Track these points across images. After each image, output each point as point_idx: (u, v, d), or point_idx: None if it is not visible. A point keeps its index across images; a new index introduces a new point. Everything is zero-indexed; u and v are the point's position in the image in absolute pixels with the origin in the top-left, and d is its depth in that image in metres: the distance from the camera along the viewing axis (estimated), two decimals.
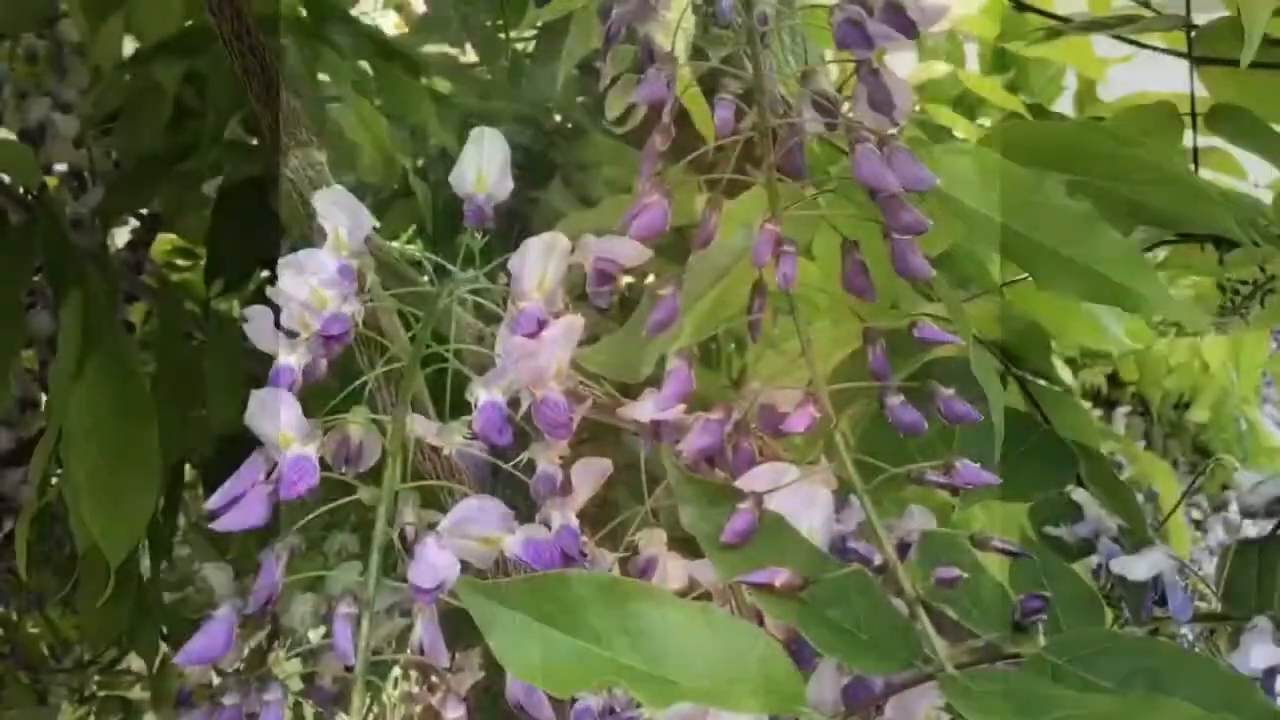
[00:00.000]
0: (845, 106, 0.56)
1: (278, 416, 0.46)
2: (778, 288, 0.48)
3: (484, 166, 0.54)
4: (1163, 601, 0.50)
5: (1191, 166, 0.88)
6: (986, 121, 1.26)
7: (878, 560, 0.47)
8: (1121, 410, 2.43)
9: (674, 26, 0.58)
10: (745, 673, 0.41)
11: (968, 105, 1.20)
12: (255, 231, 1.13)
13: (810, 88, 0.57)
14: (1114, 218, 0.73)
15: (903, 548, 0.54)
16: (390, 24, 1.79)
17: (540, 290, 0.51)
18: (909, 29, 0.53)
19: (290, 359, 0.48)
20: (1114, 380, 2.51)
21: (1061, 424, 0.69)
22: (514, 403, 0.49)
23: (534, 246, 0.51)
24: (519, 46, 1.48)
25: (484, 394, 0.47)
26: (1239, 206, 0.74)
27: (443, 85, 1.43)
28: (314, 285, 0.49)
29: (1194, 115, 0.86)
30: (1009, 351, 0.96)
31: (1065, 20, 0.88)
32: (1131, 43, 0.89)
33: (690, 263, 0.55)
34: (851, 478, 0.47)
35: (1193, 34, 0.85)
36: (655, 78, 0.54)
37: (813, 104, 0.57)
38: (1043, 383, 0.82)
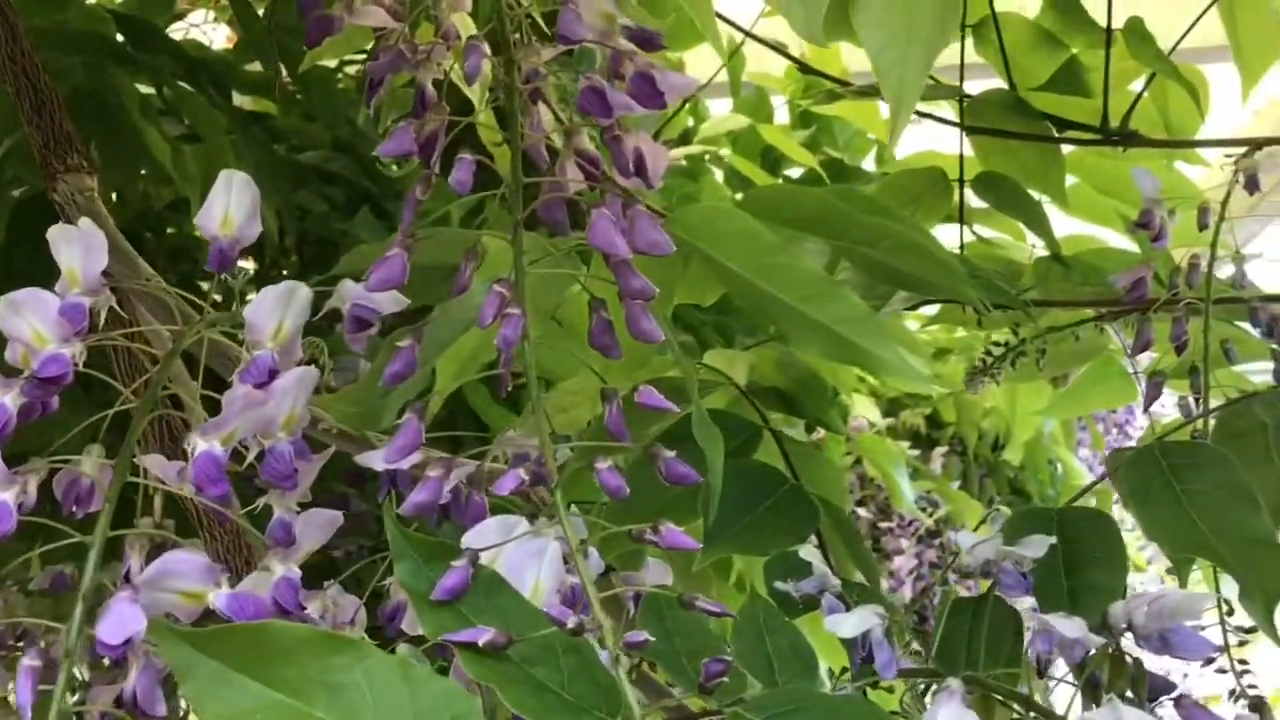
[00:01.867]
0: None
1: None
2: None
3: (231, 208, 0.54)
4: (870, 658, 0.52)
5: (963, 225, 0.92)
6: (795, 173, 1.29)
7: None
8: (939, 450, 2.50)
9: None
10: None
11: (773, 159, 1.23)
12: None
13: (573, 145, 0.59)
14: (873, 281, 0.76)
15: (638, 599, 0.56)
16: (224, 37, 1.75)
17: (275, 340, 0.51)
18: (657, 100, 0.55)
19: (5, 398, 0.47)
20: (933, 421, 2.59)
21: (810, 479, 0.71)
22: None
23: (269, 295, 0.51)
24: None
25: (201, 443, 0.46)
26: (985, 272, 0.78)
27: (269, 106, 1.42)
28: (34, 325, 0.48)
29: (961, 180, 0.90)
30: (788, 398, 0.99)
31: (845, 84, 0.92)
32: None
33: (435, 313, 0.56)
34: (567, 534, 0.47)
35: (965, 103, 0.89)
36: (404, 130, 0.54)
37: (576, 162, 0.59)
38: (797, 434, 0.85)
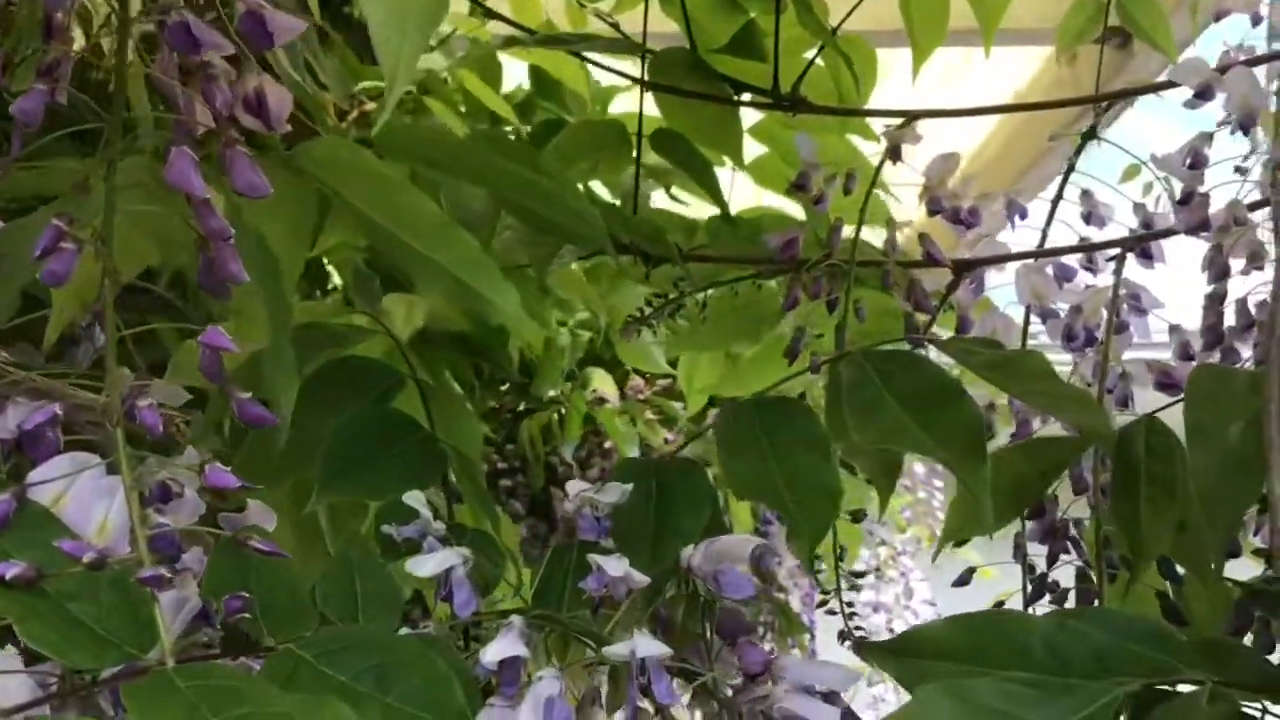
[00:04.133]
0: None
1: None
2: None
3: None
4: (450, 597, 0.54)
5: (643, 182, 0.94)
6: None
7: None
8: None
9: None
10: None
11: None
12: None
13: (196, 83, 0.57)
14: (536, 231, 0.77)
15: None
16: None
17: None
18: (265, 40, 0.54)
19: None
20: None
21: (446, 429, 0.72)
22: None
23: None
24: None
25: None
26: (643, 226, 0.80)
27: None
28: None
29: (640, 136, 0.91)
30: (470, 343, 1.00)
31: (531, 33, 0.92)
32: (592, 62, 0.93)
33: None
34: (123, 470, 0.47)
35: (647, 60, 0.91)
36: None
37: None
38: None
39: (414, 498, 0.59)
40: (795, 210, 1.02)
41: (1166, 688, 0.48)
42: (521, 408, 1.73)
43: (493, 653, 0.49)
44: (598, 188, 1.11)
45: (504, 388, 1.62)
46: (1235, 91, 0.75)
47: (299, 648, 0.47)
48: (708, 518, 0.58)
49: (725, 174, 1.05)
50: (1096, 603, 0.72)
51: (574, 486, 0.61)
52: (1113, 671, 0.48)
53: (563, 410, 1.75)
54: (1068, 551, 0.81)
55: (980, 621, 0.51)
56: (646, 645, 0.47)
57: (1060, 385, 0.64)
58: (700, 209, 1.11)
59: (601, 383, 1.58)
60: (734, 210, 1.14)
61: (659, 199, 1.17)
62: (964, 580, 0.95)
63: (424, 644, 0.49)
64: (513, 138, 1.18)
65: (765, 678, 0.53)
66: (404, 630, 0.54)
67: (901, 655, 0.51)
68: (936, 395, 0.60)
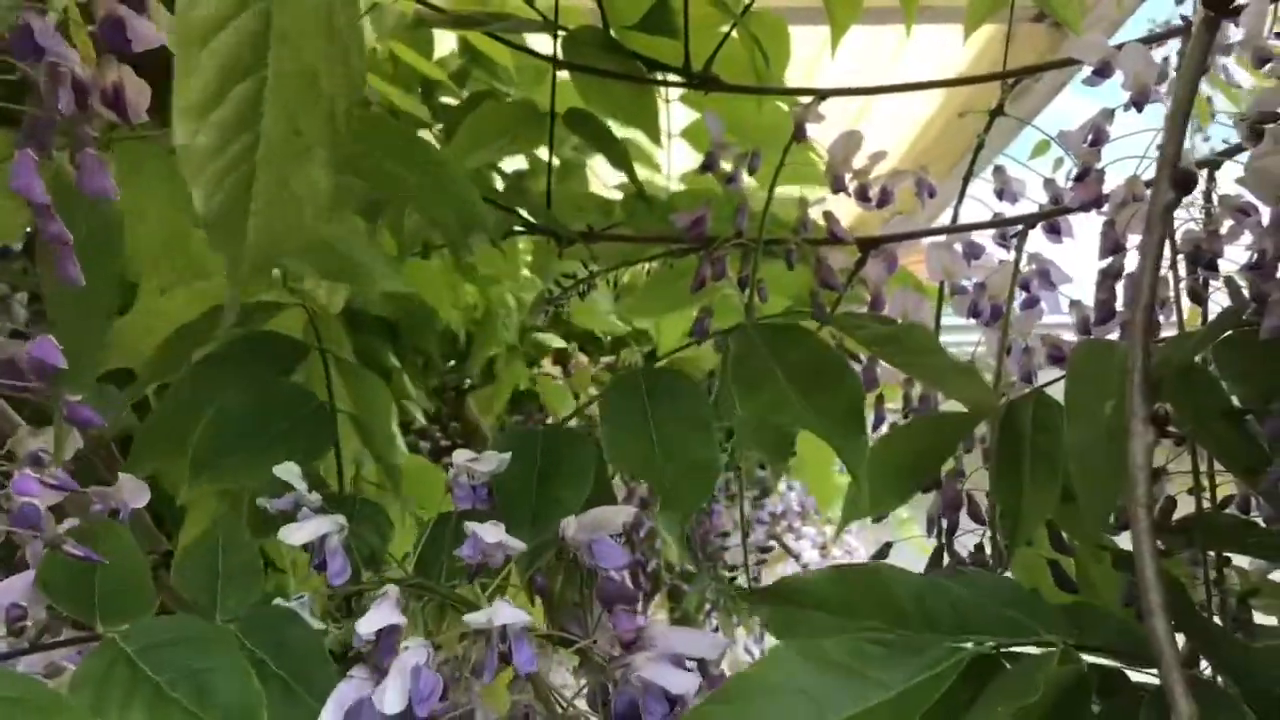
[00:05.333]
0: None
1: None
2: None
3: None
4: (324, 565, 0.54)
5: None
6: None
7: None
8: None
9: None
10: None
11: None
12: None
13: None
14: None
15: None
16: None
17: None
18: (125, 46, 0.53)
19: None
20: (653, 357, 2.66)
21: (354, 399, 0.72)
22: None
23: None
24: None
25: None
26: (538, 205, 0.80)
27: None
28: None
29: (552, 114, 0.91)
30: (394, 325, 1.00)
31: (442, 12, 0.92)
32: (505, 42, 0.93)
33: None
34: None
35: (560, 39, 0.91)
36: None
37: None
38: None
39: (286, 470, 0.59)
40: None
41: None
42: (467, 384, 1.73)
43: (368, 623, 0.49)
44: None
45: (450, 364, 1.63)
46: (1129, 69, 0.75)
47: (123, 640, 0.46)
48: (590, 488, 0.59)
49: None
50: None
51: (459, 455, 0.62)
52: (973, 630, 0.48)
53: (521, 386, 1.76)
54: (982, 522, 0.82)
55: (855, 574, 0.52)
56: (506, 613, 0.48)
57: (945, 359, 0.64)
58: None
59: (547, 356, 1.59)
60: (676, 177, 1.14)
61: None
62: (882, 554, 0.96)
63: (272, 616, 0.49)
64: (450, 104, 1.18)
65: (638, 646, 0.53)
66: (277, 601, 0.54)
67: (777, 602, 0.52)
68: (822, 370, 0.61)
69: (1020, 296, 0.86)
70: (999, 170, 0.93)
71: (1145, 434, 0.47)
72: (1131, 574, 0.61)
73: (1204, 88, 0.83)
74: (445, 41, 1.32)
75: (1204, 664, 0.55)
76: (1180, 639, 0.49)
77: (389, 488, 0.70)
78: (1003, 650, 0.47)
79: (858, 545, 2.45)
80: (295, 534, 0.53)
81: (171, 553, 0.61)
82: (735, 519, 2.23)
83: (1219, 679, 0.53)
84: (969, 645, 0.46)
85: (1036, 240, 0.90)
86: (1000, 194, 0.93)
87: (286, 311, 0.79)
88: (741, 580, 0.85)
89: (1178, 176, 0.53)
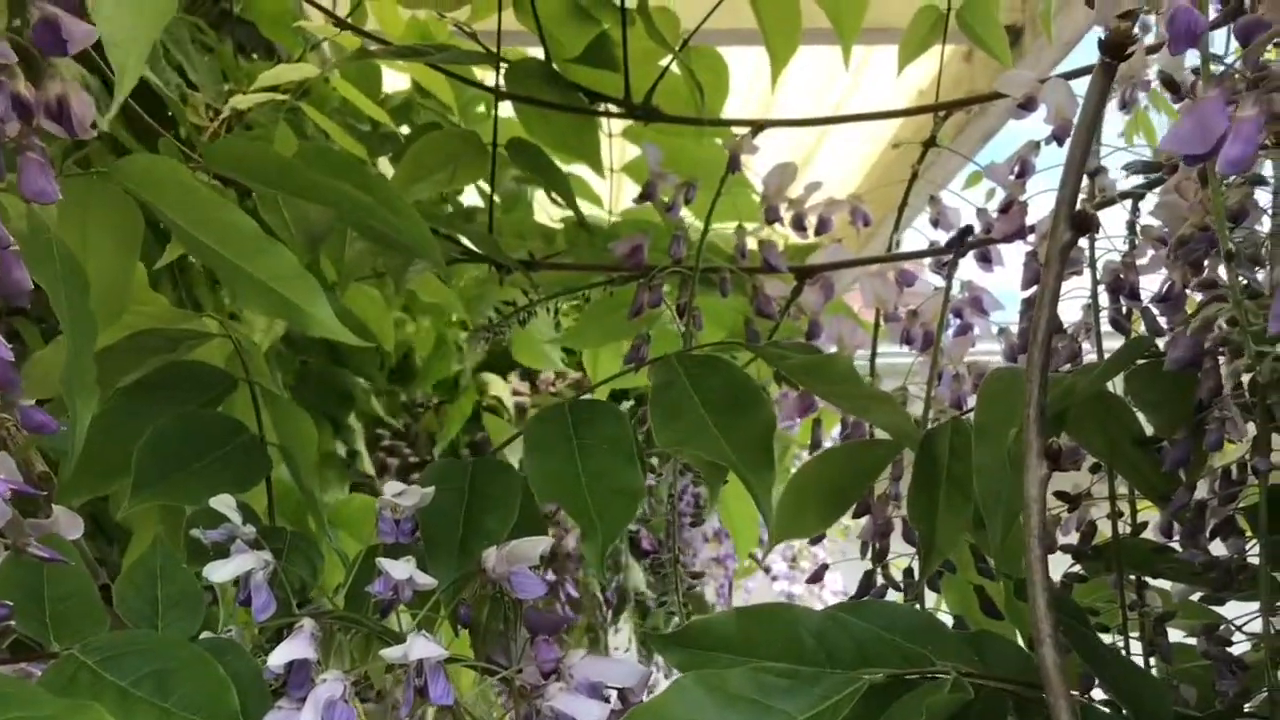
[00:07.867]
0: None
1: None
2: None
3: None
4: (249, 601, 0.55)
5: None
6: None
7: None
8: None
9: None
10: None
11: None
12: None
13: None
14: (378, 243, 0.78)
15: None
16: None
17: None
18: (60, 48, 0.55)
19: None
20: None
21: (281, 432, 0.73)
22: None
23: None
24: None
25: None
26: (482, 236, 0.81)
27: None
28: None
29: (494, 145, 0.93)
30: (337, 352, 1.01)
31: (386, 44, 0.93)
32: (446, 73, 0.95)
33: None
34: None
35: (502, 71, 0.92)
36: None
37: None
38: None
39: (222, 501, 0.60)
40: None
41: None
42: (436, 401, 1.74)
43: (279, 655, 0.50)
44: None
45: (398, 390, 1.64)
46: (1051, 103, 0.77)
47: (81, 652, 0.48)
48: (516, 518, 0.60)
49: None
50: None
51: (389, 488, 0.63)
52: (871, 662, 0.50)
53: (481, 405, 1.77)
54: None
55: (758, 614, 0.53)
56: (421, 647, 0.49)
57: (864, 388, 0.66)
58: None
59: (496, 388, 1.60)
60: (620, 209, 1.16)
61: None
62: (817, 577, 0.98)
63: (210, 648, 0.51)
64: (390, 138, 1.20)
65: (557, 675, 0.55)
66: (205, 634, 0.55)
67: (684, 645, 0.53)
68: (738, 400, 0.63)
69: (953, 324, 0.89)
70: (934, 199, 0.95)
71: (1039, 467, 0.49)
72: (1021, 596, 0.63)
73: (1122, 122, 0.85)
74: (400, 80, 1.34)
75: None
76: None
77: (313, 522, 0.71)
78: (907, 678, 0.49)
79: (824, 556, 2.47)
80: (219, 571, 0.54)
81: (109, 586, 0.61)
82: (705, 534, 2.26)
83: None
84: (861, 678, 0.47)
85: (970, 268, 0.92)
86: (935, 223, 0.95)
87: (212, 342, 0.80)
88: (673, 605, 0.87)
89: (1076, 218, 0.55)
